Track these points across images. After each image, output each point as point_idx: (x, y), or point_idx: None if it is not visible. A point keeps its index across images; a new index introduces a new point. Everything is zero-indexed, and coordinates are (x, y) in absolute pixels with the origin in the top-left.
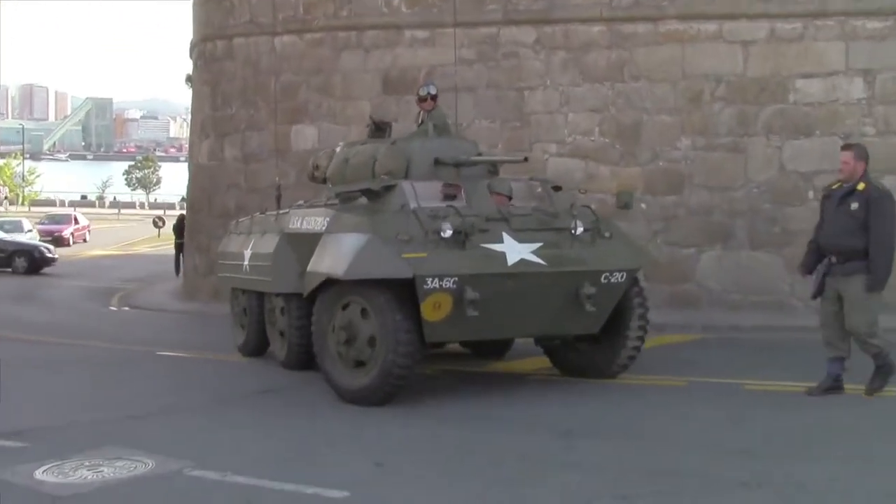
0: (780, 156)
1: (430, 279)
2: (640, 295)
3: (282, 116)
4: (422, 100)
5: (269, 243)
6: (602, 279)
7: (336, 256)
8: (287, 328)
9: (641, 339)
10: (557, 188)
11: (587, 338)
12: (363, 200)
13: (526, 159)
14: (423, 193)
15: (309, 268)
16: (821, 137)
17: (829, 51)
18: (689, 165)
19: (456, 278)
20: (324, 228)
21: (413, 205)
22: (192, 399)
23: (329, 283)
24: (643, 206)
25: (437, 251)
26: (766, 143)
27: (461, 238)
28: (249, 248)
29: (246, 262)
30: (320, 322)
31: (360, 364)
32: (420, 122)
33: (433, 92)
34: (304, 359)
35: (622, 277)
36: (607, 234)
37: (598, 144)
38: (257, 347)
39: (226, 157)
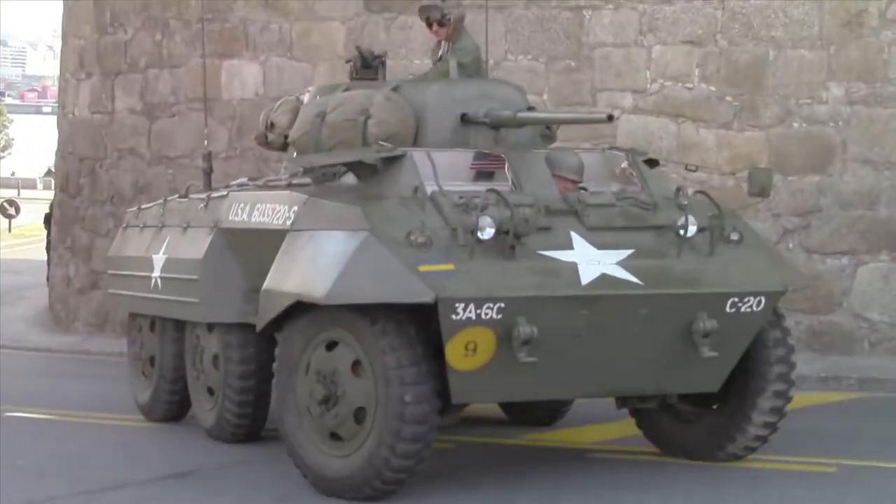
0: None
1: (462, 305)
2: (779, 328)
3: (207, 46)
4: (430, 22)
5: (196, 245)
6: (728, 307)
7: (311, 268)
8: (223, 379)
9: (783, 400)
10: (653, 162)
11: (699, 399)
12: (349, 179)
13: (611, 118)
14: (445, 169)
15: (266, 285)
16: None
17: None
18: (841, 128)
19: (502, 304)
20: (289, 223)
21: (431, 187)
22: (62, 487)
23: (300, 309)
24: None
25: (472, 261)
26: None
27: (509, 241)
28: (162, 251)
29: (156, 274)
30: (287, 361)
31: (337, 437)
32: (438, 56)
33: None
34: (247, 426)
35: (759, 305)
36: (734, 237)
37: (699, 95)
38: (172, 407)
39: (118, 108)
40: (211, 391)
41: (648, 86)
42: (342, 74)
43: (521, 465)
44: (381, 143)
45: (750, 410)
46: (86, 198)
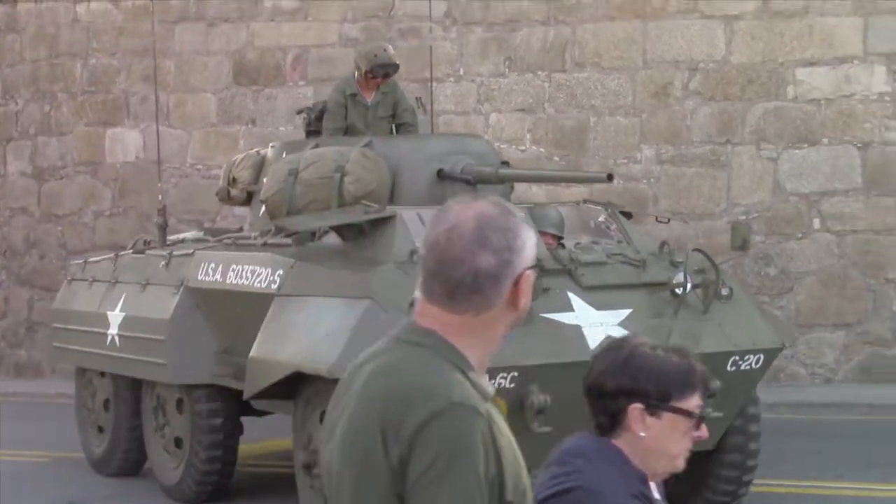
0: (775, 171)
1: None
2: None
3: (91, 115)
4: (376, 75)
5: (161, 304)
6: (729, 365)
7: (311, 338)
8: (190, 439)
9: (738, 471)
10: (628, 215)
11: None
12: (330, 238)
13: (611, 178)
14: None
15: (255, 352)
16: (830, 146)
17: (841, 29)
18: (651, 184)
19: (516, 373)
20: (274, 287)
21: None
22: None
23: (296, 381)
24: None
25: None
26: (756, 154)
27: None
28: (118, 308)
29: (112, 332)
30: (298, 430)
31: None
32: (370, 102)
33: (393, 61)
34: (213, 482)
35: (758, 362)
36: (724, 292)
37: (530, 156)
38: (128, 462)
39: (9, 171)
40: (166, 449)
41: None
42: (215, 139)
43: None
44: (365, 203)
45: (707, 477)
46: None
